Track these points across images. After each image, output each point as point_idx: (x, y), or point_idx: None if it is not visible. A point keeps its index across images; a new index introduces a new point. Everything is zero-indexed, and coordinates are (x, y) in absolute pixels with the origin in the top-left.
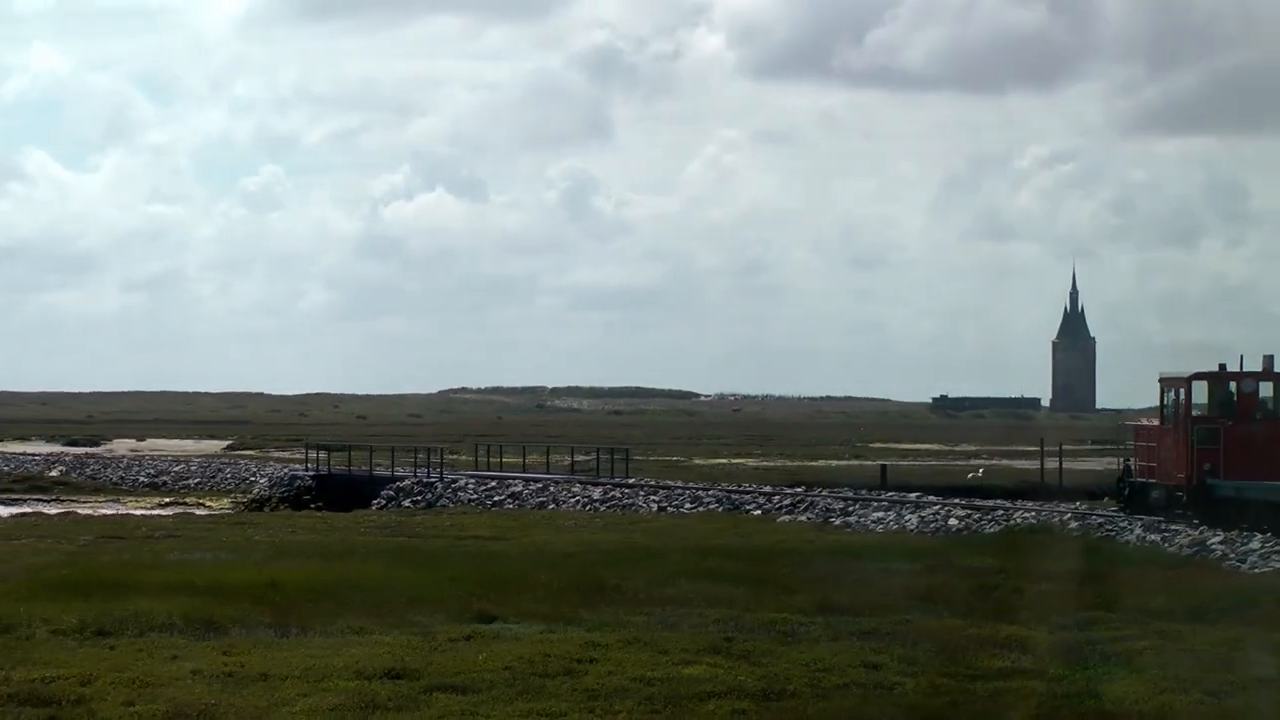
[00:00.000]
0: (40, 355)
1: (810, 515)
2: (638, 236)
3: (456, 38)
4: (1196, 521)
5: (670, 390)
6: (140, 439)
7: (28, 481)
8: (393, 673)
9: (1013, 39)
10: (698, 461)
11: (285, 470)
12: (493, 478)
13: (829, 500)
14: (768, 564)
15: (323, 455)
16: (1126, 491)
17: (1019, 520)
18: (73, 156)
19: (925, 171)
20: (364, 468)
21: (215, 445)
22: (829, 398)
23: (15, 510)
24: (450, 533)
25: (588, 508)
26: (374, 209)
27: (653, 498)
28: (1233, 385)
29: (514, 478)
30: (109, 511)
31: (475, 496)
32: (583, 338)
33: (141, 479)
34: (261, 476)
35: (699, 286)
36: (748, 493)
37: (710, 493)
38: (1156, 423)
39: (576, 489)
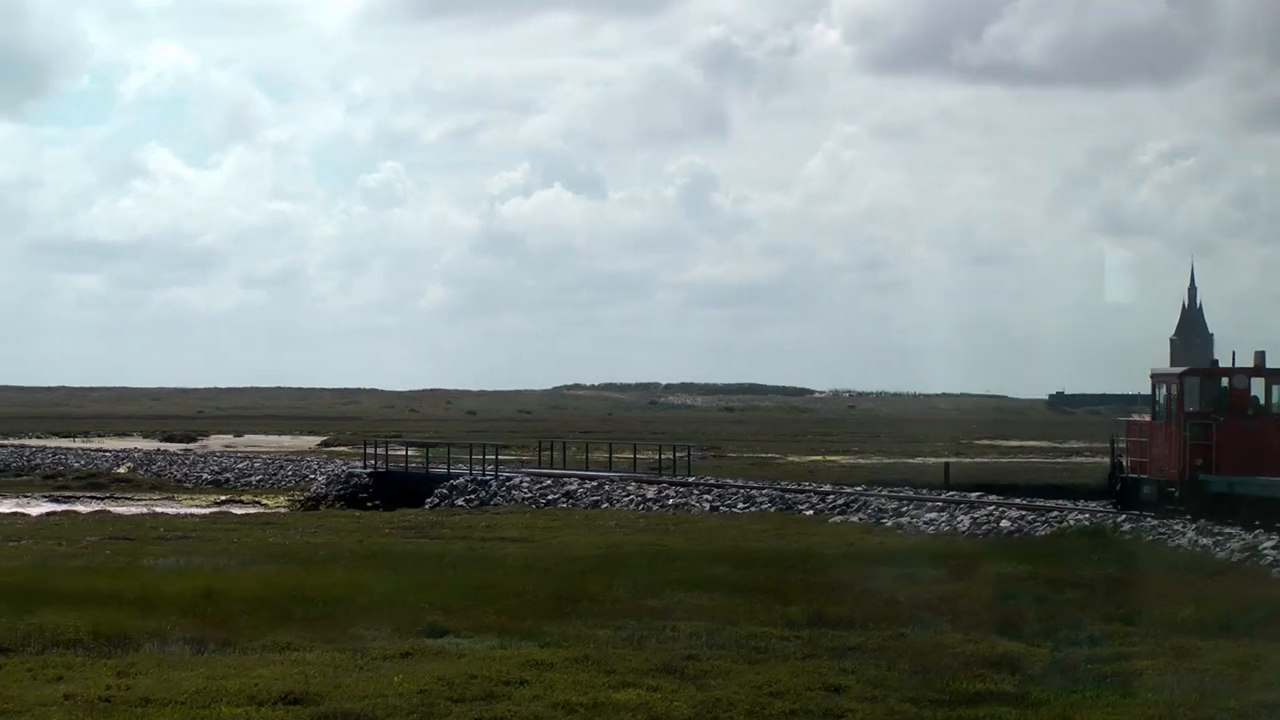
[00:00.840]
0: (161, 351)
1: (862, 515)
2: (756, 233)
3: (571, 35)
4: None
5: (785, 387)
6: (237, 435)
7: (89, 479)
8: (290, 698)
9: (1131, 33)
10: (792, 459)
11: (344, 468)
12: (549, 476)
13: (883, 500)
14: (779, 570)
15: (381, 452)
16: (1118, 487)
17: (1072, 522)
18: (194, 154)
19: (1044, 167)
20: (437, 465)
21: (310, 441)
22: (945, 394)
23: (52, 508)
24: (477, 533)
25: (640, 507)
26: (492, 206)
27: (706, 497)
28: (1225, 381)
29: (570, 476)
30: (159, 510)
31: (529, 495)
32: (700, 334)
33: (205, 476)
34: (321, 474)
35: (817, 283)
36: (803, 492)
37: (764, 492)
38: (1148, 419)
39: (631, 487)
